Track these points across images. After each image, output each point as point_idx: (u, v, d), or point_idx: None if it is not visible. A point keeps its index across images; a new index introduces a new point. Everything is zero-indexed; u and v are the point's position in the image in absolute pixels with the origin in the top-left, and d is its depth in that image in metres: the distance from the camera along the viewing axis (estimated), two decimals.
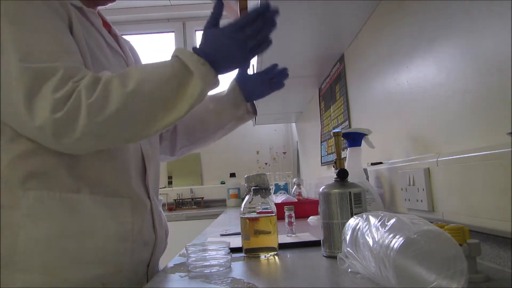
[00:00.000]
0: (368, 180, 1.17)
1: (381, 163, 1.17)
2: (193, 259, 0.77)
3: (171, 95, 0.76)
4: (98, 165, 0.83)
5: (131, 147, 0.90)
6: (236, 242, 0.94)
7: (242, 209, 0.90)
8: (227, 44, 0.80)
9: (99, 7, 0.99)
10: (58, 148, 0.75)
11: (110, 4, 0.98)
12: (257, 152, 3.42)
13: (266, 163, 3.15)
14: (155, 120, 0.76)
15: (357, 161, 1.10)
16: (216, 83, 0.81)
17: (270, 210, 0.88)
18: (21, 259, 0.75)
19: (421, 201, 0.88)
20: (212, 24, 0.82)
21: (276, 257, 0.86)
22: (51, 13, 0.77)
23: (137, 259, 0.88)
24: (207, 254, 0.78)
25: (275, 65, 1.14)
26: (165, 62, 0.79)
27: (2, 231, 0.75)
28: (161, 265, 1.03)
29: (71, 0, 0.85)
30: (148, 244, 0.92)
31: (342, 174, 0.84)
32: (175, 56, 0.79)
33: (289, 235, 1.09)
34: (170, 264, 0.87)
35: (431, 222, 0.54)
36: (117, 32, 1.02)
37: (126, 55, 0.99)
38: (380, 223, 0.56)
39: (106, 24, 0.98)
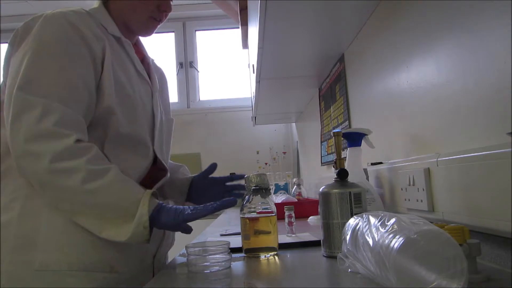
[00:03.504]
0: (368, 180, 1.17)
1: (381, 163, 1.17)
2: (193, 259, 0.77)
3: (107, 218, 0.83)
4: (118, 159, 0.90)
5: (144, 151, 0.97)
6: (236, 242, 0.94)
7: (242, 209, 0.90)
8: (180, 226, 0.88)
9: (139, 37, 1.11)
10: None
11: (149, 36, 1.08)
12: (257, 152, 3.42)
13: (266, 163, 3.15)
14: (77, 217, 0.84)
15: (357, 161, 1.10)
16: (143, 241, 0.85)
17: (270, 210, 0.88)
18: (41, 242, 0.83)
19: (421, 201, 0.88)
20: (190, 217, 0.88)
21: (276, 257, 0.86)
22: (80, 51, 0.87)
23: (144, 249, 0.94)
24: (207, 254, 0.78)
25: (241, 176, 1.09)
26: (130, 193, 0.84)
27: (27, 218, 0.85)
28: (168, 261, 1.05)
29: (112, 31, 0.97)
30: (154, 237, 0.94)
31: (342, 174, 0.84)
32: (138, 200, 0.84)
33: (289, 235, 1.09)
34: (170, 264, 0.87)
35: (431, 222, 0.54)
36: (150, 61, 1.13)
37: (153, 82, 1.08)
38: (380, 223, 0.56)
39: (139, 52, 1.09)
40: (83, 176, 0.80)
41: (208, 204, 0.88)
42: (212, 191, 1.15)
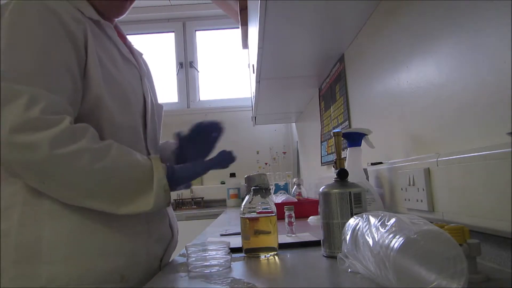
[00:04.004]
0: (368, 180, 1.17)
1: (381, 163, 1.17)
2: (193, 259, 0.77)
3: (122, 194, 0.81)
4: None
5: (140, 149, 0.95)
6: (236, 242, 0.94)
7: (242, 209, 0.90)
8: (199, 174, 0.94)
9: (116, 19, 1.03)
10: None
11: (122, 16, 1.01)
12: (257, 152, 3.42)
13: (266, 163, 3.15)
14: (90, 201, 0.80)
15: (357, 161, 1.10)
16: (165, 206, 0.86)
17: (270, 210, 0.88)
18: (45, 252, 0.78)
19: (421, 201, 0.88)
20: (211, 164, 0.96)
21: (276, 257, 0.86)
22: (60, 35, 0.81)
23: (152, 254, 0.92)
24: (207, 254, 0.78)
25: (200, 124, 1.12)
26: (138, 163, 0.83)
27: (27, 226, 0.79)
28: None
29: (89, 14, 0.89)
30: (162, 240, 0.97)
31: (342, 174, 0.84)
32: (150, 165, 0.83)
33: (289, 235, 1.09)
34: (170, 264, 0.87)
35: (431, 222, 0.54)
36: (131, 44, 1.07)
37: (139, 65, 1.02)
38: (380, 223, 0.56)
39: (121, 36, 1.01)
40: (89, 157, 0.76)
41: (221, 152, 0.97)
42: (203, 146, 1.11)
